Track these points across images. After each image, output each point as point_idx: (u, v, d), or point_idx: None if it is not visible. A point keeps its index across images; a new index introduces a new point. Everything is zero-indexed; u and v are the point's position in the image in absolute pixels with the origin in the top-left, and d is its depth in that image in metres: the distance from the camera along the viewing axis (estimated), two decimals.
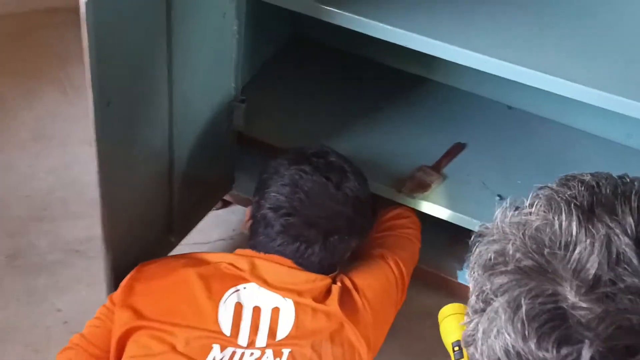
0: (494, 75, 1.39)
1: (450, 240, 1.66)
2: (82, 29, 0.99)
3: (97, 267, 1.56)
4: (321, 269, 1.25)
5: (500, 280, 0.57)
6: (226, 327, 1.17)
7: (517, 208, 0.61)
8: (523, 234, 0.58)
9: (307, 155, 1.29)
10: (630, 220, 0.55)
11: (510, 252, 0.57)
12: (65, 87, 2.04)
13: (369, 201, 1.34)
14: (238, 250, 1.29)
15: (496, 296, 0.57)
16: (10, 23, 2.20)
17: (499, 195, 1.58)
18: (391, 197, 1.56)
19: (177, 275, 1.24)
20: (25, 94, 1.99)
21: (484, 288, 0.59)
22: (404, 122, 1.75)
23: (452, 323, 1.09)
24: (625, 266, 0.52)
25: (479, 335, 0.58)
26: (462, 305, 1.15)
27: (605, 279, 0.52)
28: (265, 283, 1.21)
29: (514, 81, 1.38)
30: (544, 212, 0.58)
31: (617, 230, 0.54)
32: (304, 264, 1.23)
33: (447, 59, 1.38)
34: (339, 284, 1.24)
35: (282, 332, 1.18)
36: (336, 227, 1.25)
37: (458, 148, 1.68)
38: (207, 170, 1.55)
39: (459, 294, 1.61)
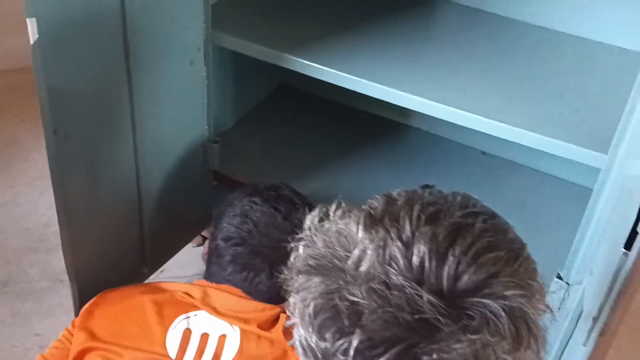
0: None
1: None
2: (34, 72, 1.11)
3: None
4: (270, 298, 1.29)
5: (298, 279, 0.64)
6: (172, 351, 1.22)
7: (325, 215, 0.68)
8: (322, 239, 0.64)
9: (260, 189, 1.35)
10: (407, 226, 0.61)
11: (308, 253, 0.64)
12: None
13: None
14: (196, 281, 1.36)
15: (296, 293, 0.64)
16: (31, 75, 2.39)
17: None
18: None
19: (133, 300, 1.31)
20: (39, 137, 2.14)
21: (291, 288, 0.66)
22: (378, 166, 1.83)
23: None
24: (395, 265, 0.58)
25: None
26: None
27: (377, 276, 0.58)
28: (215, 311, 1.26)
29: None
30: (342, 219, 0.65)
31: (393, 235, 0.60)
32: (252, 292, 1.28)
33: (425, 112, 1.44)
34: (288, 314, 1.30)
35: (226, 357, 1.23)
36: (282, 256, 1.29)
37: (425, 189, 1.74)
38: (181, 207, 1.65)
39: None
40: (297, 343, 0.63)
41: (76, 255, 1.37)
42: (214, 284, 1.30)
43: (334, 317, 0.58)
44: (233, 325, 1.25)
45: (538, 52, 1.57)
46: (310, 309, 0.60)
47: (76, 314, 1.43)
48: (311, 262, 0.63)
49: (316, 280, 0.61)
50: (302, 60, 1.48)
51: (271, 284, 1.28)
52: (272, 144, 1.87)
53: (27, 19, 1.06)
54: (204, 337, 1.24)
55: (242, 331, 1.24)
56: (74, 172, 1.29)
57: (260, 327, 1.25)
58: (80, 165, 1.31)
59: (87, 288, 1.41)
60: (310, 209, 1.36)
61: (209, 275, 1.33)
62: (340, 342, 0.58)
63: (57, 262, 1.78)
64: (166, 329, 1.24)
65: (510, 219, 1.72)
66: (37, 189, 1.98)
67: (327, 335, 0.58)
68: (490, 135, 1.86)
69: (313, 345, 0.60)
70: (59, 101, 1.18)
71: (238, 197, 1.35)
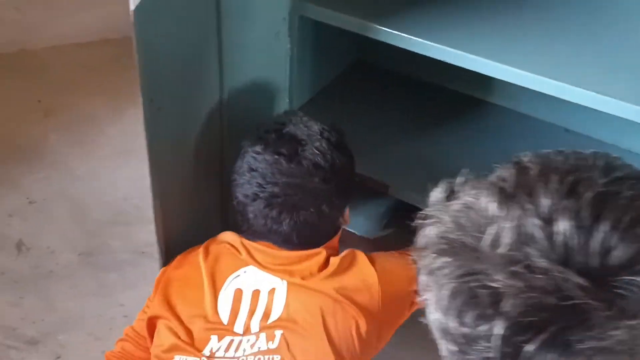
0: (552, 98, 1.40)
1: None
2: (134, 43, 1.11)
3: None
4: (307, 243, 1.21)
5: (426, 258, 0.60)
6: (224, 316, 1.18)
7: (451, 192, 0.64)
8: (451, 215, 0.59)
9: (261, 134, 1.25)
10: (545, 201, 0.55)
11: (435, 233, 0.60)
12: None
13: (338, 160, 1.25)
14: (235, 238, 1.28)
15: (428, 275, 0.60)
16: (105, 48, 2.42)
17: None
18: None
19: (191, 263, 1.28)
20: (114, 112, 2.19)
21: (421, 268, 0.61)
22: (458, 143, 1.78)
23: None
24: (535, 246, 0.54)
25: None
26: None
27: (517, 259, 0.53)
28: (262, 266, 1.20)
29: (572, 103, 1.39)
30: (470, 194, 0.60)
31: (530, 211, 0.55)
32: (284, 243, 1.21)
33: (506, 80, 1.39)
34: (343, 254, 1.22)
35: (275, 314, 1.17)
36: (299, 201, 1.19)
37: None
38: None
39: None
40: (434, 326, 0.59)
41: (166, 223, 1.37)
42: (250, 242, 1.24)
43: (473, 301, 0.55)
44: (281, 279, 1.19)
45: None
46: (446, 292, 0.56)
47: None
48: (441, 241, 0.59)
49: (448, 260, 0.57)
50: (394, 32, 1.45)
51: (300, 231, 1.20)
52: (348, 120, 1.85)
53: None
54: (255, 294, 1.20)
55: (289, 284, 1.18)
56: (165, 140, 1.30)
57: (304, 278, 1.19)
58: (172, 134, 1.31)
59: (173, 257, 1.41)
60: (325, 140, 1.26)
61: (242, 233, 1.27)
62: (483, 327, 0.54)
63: (138, 234, 1.80)
64: (217, 292, 1.20)
65: None
66: (114, 163, 2.01)
67: (467, 320, 0.55)
68: (573, 111, 1.81)
69: (452, 330, 0.57)
70: (155, 70, 1.18)
71: (244, 148, 1.27)
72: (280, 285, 1.19)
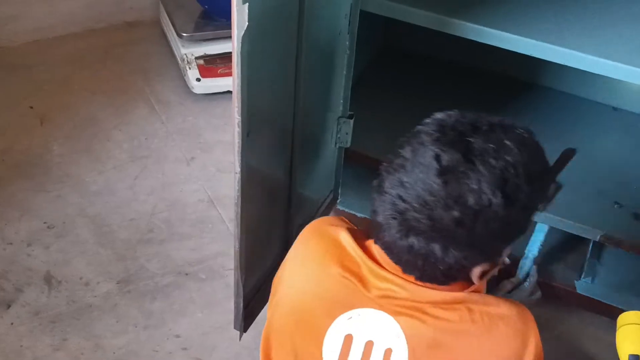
0: (598, 77, 1.35)
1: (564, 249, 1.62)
2: (234, 62, 0.96)
3: (210, 289, 1.58)
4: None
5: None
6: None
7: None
8: None
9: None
10: None
11: None
12: (153, 103, 2.04)
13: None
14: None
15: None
16: (91, 40, 2.21)
17: (617, 203, 1.53)
18: None
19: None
20: (116, 112, 1.99)
21: None
22: None
23: (631, 333, 1.03)
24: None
25: None
26: None
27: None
28: (380, 305, 0.98)
29: (618, 82, 1.35)
30: None
31: None
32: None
33: (555, 61, 1.34)
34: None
35: None
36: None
37: (568, 154, 1.63)
38: (316, 190, 1.53)
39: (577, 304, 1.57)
40: None
41: (245, 243, 1.22)
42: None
43: None
44: (401, 329, 0.98)
45: None
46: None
47: (237, 311, 1.28)
48: None
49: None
50: (464, 23, 1.34)
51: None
52: (390, 113, 1.74)
53: (236, 5, 0.90)
54: (369, 346, 1.00)
55: (409, 337, 0.98)
56: (252, 163, 1.15)
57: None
58: (254, 159, 1.17)
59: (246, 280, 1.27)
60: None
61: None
62: None
63: (175, 253, 1.66)
64: (326, 330, 1.00)
65: None
66: (130, 173, 1.83)
67: None
68: (620, 90, 1.76)
69: None
70: (251, 96, 1.03)
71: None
72: (398, 341, 0.98)
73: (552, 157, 1.60)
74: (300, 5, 1.14)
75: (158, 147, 1.90)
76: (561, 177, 1.58)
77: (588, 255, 1.59)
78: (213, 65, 2.03)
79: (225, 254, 1.63)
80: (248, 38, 0.94)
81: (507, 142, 0.91)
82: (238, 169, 1.10)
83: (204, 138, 1.94)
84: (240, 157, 1.07)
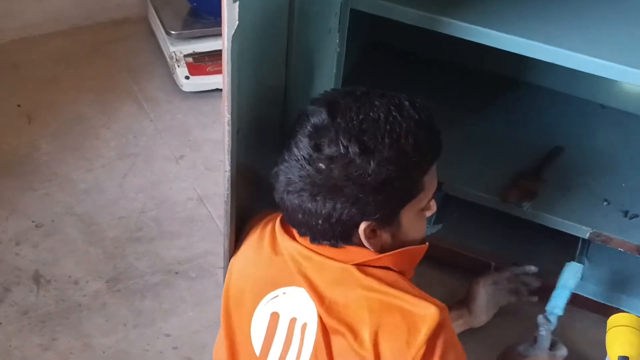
0: (586, 74, 1.35)
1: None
2: (224, 61, 0.95)
3: (200, 287, 1.58)
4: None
5: None
6: (257, 344, 1.06)
7: None
8: None
9: None
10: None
11: None
12: (141, 101, 2.03)
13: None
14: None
15: None
16: (78, 37, 2.19)
17: (605, 200, 1.54)
18: (496, 207, 1.53)
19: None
20: (104, 110, 1.98)
21: None
22: (496, 125, 1.71)
23: (620, 335, 1.05)
24: None
25: None
26: (636, 318, 1.10)
27: None
28: (311, 287, 1.02)
29: (606, 79, 1.35)
30: None
31: None
32: None
33: (543, 59, 1.33)
34: None
35: (305, 355, 1.03)
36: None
37: (557, 152, 1.64)
38: None
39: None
40: None
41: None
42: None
43: None
44: (317, 310, 1.01)
45: None
46: None
47: None
48: None
49: None
50: (458, 22, 1.34)
51: None
52: None
53: (227, 4, 0.90)
54: (292, 323, 1.04)
55: (321, 323, 1.01)
56: (242, 162, 1.14)
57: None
58: (248, 155, 1.16)
59: None
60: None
61: None
62: None
63: (164, 252, 1.65)
64: (252, 314, 1.07)
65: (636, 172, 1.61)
66: (118, 171, 1.82)
67: None
68: (609, 86, 1.77)
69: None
70: (241, 94, 1.02)
71: None
72: (312, 321, 1.01)
73: (540, 155, 1.64)
74: (290, 3, 1.14)
75: (147, 145, 1.90)
76: (549, 174, 1.60)
77: (577, 252, 1.60)
78: (202, 63, 2.02)
79: (215, 252, 1.63)
80: (238, 37, 0.94)
81: (377, 103, 0.99)
82: (228, 168, 1.09)
83: (193, 136, 1.93)
84: (230, 156, 1.07)
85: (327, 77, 1.44)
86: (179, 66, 2.02)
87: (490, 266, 1.59)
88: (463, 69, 1.84)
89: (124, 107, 2.01)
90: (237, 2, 0.91)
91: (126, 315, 1.52)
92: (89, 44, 2.18)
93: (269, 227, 1.11)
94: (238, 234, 1.21)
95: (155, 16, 2.14)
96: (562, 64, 1.32)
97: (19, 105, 1.95)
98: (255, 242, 1.12)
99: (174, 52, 2.04)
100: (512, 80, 1.83)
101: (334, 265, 1.01)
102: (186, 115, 1.99)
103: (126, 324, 1.50)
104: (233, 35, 0.93)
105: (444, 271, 1.60)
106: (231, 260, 1.16)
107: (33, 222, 1.67)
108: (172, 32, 2.05)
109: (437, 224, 1.64)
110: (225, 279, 1.15)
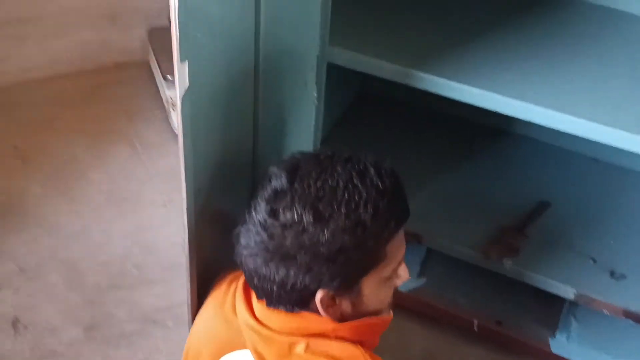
0: None
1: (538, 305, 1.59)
2: (178, 119, 0.96)
3: (177, 337, 1.56)
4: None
5: None
6: None
7: None
8: None
9: None
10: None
11: None
12: (136, 145, 2.04)
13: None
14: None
15: None
16: (79, 80, 2.22)
17: (592, 259, 1.50)
18: (477, 263, 1.50)
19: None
20: (98, 153, 2.00)
21: None
22: (482, 177, 1.69)
23: None
24: None
25: None
26: None
27: None
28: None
29: None
30: None
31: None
32: None
33: (532, 120, 1.30)
34: None
35: None
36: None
37: (543, 207, 1.61)
38: None
39: None
40: None
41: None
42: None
43: None
44: None
45: None
46: None
47: None
48: None
49: None
50: (435, 77, 1.33)
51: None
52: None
53: (177, 63, 0.90)
54: None
55: None
56: (203, 217, 1.13)
57: None
58: (207, 211, 1.16)
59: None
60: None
61: None
62: None
63: (143, 300, 1.64)
64: None
65: (629, 229, 1.58)
66: (106, 216, 1.83)
67: None
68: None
69: None
70: (198, 155, 1.02)
71: None
72: None
73: (526, 209, 1.60)
74: (255, 60, 1.14)
75: (137, 189, 1.90)
76: (534, 229, 1.56)
77: (563, 311, 1.55)
78: None
79: None
80: (190, 98, 0.94)
81: (339, 169, 0.95)
82: (186, 225, 1.09)
83: None
84: (186, 214, 1.07)
85: (306, 131, 1.43)
86: (174, 110, 2.04)
87: (472, 323, 1.56)
88: (452, 119, 1.82)
89: (118, 150, 2.03)
90: (186, 62, 0.91)
91: None
92: (90, 86, 2.21)
93: (234, 286, 1.09)
94: (206, 287, 1.21)
95: (155, 60, 2.17)
96: (541, 123, 1.30)
97: (15, 147, 1.98)
98: (220, 298, 1.10)
99: (170, 96, 2.05)
100: (503, 131, 1.81)
101: (282, 341, 0.99)
102: (179, 159, 2.00)
103: None
104: (184, 97, 0.93)
105: (425, 325, 1.57)
106: (195, 318, 1.14)
107: (17, 266, 1.68)
108: (169, 76, 2.07)
109: (420, 277, 1.62)
110: (187, 341, 1.13)
